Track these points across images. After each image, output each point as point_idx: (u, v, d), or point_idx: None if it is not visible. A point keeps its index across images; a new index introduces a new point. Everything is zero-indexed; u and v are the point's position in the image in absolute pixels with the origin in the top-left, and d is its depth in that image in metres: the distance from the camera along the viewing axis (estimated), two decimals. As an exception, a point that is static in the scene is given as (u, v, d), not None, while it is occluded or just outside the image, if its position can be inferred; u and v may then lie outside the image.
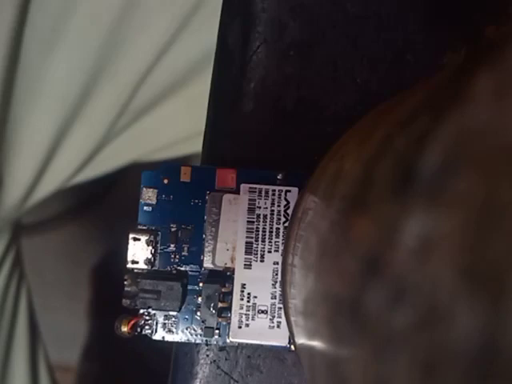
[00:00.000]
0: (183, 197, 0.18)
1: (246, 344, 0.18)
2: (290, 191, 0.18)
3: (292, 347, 0.17)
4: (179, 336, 0.18)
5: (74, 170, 0.30)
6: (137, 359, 0.52)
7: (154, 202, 0.18)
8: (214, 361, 0.19)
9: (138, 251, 0.18)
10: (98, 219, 0.61)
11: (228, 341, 0.18)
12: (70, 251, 0.61)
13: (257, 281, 0.17)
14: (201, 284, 0.18)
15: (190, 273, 0.18)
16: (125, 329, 0.17)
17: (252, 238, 0.17)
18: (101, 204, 0.60)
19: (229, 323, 0.17)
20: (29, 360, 0.33)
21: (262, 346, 0.18)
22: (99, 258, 0.61)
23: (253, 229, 0.17)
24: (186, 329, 0.18)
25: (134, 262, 0.18)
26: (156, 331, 0.18)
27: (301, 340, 0.12)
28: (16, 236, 0.32)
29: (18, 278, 0.32)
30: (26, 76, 0.26)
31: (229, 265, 0.18)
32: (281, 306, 0.17)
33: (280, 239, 0.17)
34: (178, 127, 0.32)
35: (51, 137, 0.28)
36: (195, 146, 0.32)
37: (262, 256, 0.17)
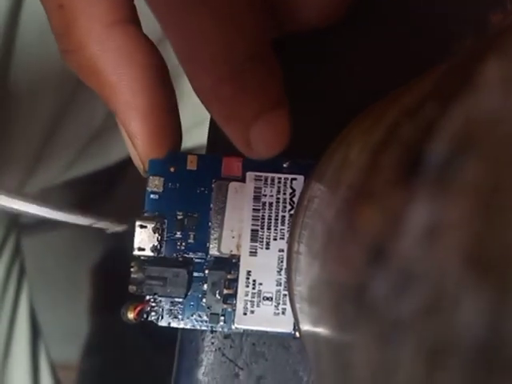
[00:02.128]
0: (189, 185, 0.18)
1: (251, 331, 0.18)
2: (295, 179, 0.18)
3: (297, 334, 0.17)
4: (185, 322, 0.18)
5: (70, 159, 0.30)
6: (140, 352, 0.52)
7: (160, 190, 0.18)
8: (219, 348, 0.19)
9: (145, 238, 0.18)
10: (100, 217, 0.61)
11: (233, 327, 0.18)
12: (72, 249, 0.61)
13: (262, 268, 0.17)
14: (206, 271, 0.18)
15: (195, 260, 0.18)
16: (131, 315, 0.18)
17: (258, 225, 0.18)
18: (103, 202, 0.60)
19: (234, 310, 0.18)
20: (29, 356, 0.33)
21: (266, 333, 0.18)
22: (101, 256, 0.61)
23: (258, 216, 0.18)
24: (192, 315, 0.18)
25: (140, 249, 0.18)
26: (162, 317, 0.18)
27: (306, 327, 0.12)
28: (13, 229, 0.32)
29: (19, 271, 0.32)
30: (22, 63, 0.26)
31: (234, 252, 0.18)
32: (286, 292, 0.17)
33: (285, 227, 0.18)
34: None
35: (48, 124, 0.27)
36: (194, 138, 0.32)
37: (268, 243, 0.17)
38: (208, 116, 0.16)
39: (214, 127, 0.20)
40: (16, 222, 0.33)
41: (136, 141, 0.15)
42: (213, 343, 0.19)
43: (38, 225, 0.57)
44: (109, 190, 0.59)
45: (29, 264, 0.35)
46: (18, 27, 0.24)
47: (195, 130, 0.30)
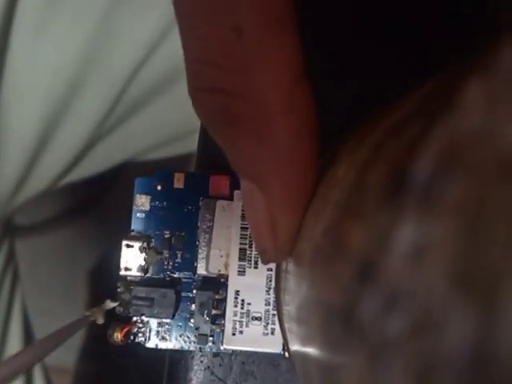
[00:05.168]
0: (176, 203, 0.18)
1: (241, 350, 0.18)
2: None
3: (286, 354, 0.17)
4: (173, 343, 0.18)
5: (64, 167, 0.30)
6: (132, 364, 0.51)
7: (147, 208, 0.18)
8: (208, 367, 0.19)
9: (131, 258, 0.18)
10: (94, 222, 0.60)
11: (222, 348, 0.17)
12: (66, 253, 0.61)
13: (251, 287, 0.17)
14: (194, 291, 0.18)
15: (183, 280, 0.18)
16: (118, 337, 0.17)
17: (246, 244, 0.17)
18: (96, 207, 0.60)
19: (223, 330, 0.17)
20: None
21: (256, 352, 0.18)
22: (95, 260, 0.61)
23: (246, 235, 0.17)
24: (180, 336, 0.18)
25: (127, 269, 0.18)
26: (149, 339, 0.18)
27: (295, 347, 0.12)
28: (7, 234, 0.32)
29: (12, 277, 0.32)
30: (13, 66, 0.25)
31: (222, 271, 0.18)
32: (275, 312, 0.17)
33: (274, 245, 0.17)
34: (171, 126, 0.31)
35: (40, 131, 0.27)
36: (188, 145, 0.32)
37: (256, 262, 0.17)
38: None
39: (202, 143, 0.20)
40: (10, 226, 0.33)
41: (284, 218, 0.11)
42: (202, 362, 0.19)
43: (32, 229, 0.57)
44: (101, 196, 0.59)
45: (23, 269, 0.35)
46: (11, 31, 0.24)
47: (191, 137, 0.30)
